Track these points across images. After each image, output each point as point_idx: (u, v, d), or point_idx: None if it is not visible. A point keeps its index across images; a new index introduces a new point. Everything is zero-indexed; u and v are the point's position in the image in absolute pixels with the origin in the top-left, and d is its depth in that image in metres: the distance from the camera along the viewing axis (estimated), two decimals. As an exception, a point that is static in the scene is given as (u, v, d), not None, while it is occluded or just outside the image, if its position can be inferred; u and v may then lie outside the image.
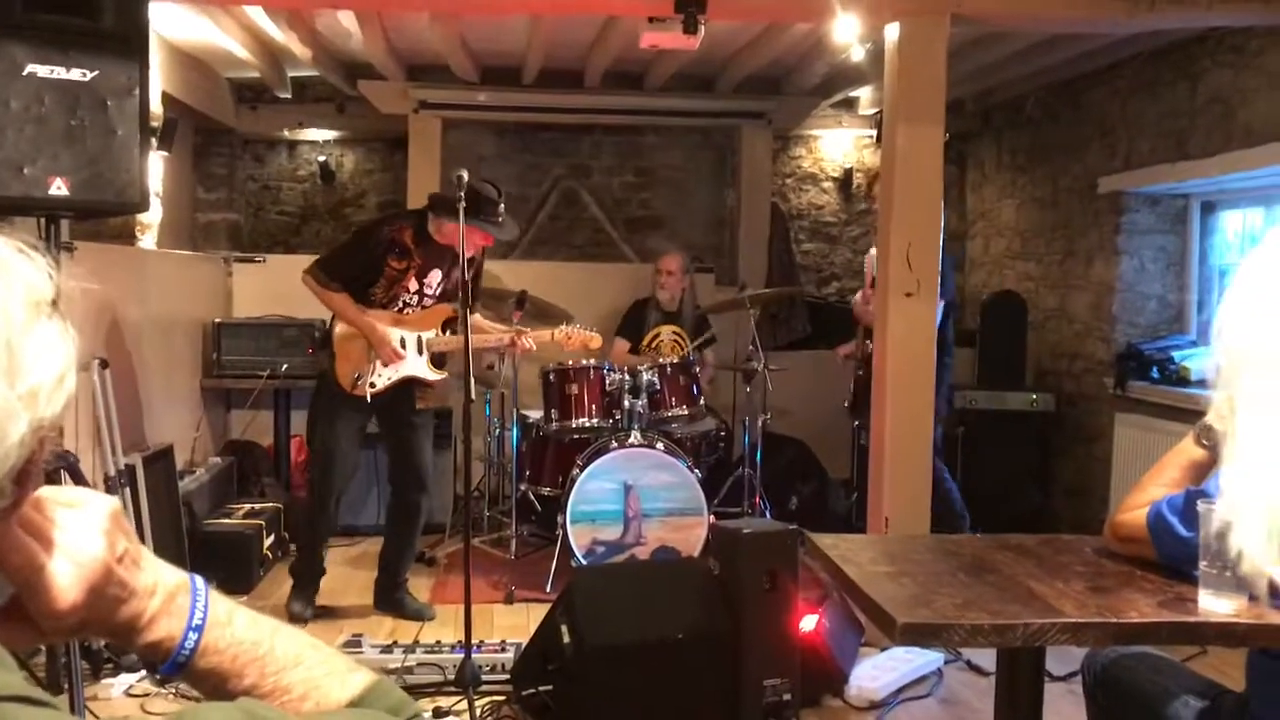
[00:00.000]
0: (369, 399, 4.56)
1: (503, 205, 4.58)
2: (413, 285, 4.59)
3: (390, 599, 4.78)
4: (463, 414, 3.73)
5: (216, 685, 0.96)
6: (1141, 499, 2.12)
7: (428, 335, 4.66)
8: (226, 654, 0.96)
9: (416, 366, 4.65)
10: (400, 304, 4.61)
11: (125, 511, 0.95)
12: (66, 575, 0.88)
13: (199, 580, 0.98)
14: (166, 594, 0.95)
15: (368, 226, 4.84)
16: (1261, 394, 1.82)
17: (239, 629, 0.97)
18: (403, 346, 4.59)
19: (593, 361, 5.34)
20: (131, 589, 0.93)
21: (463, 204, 3.89)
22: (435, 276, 4.63)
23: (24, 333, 0.84)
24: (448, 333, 4.72)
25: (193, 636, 0.94)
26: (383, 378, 4.58)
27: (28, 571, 0.87)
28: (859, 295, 5.26)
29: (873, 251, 5.12)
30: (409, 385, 4.69)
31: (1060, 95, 6.61)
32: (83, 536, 0.90)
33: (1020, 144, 7.22)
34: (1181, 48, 5.39)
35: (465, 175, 3.90)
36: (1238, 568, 1.81)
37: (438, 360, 4.72)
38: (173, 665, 0.94)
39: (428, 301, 4.66)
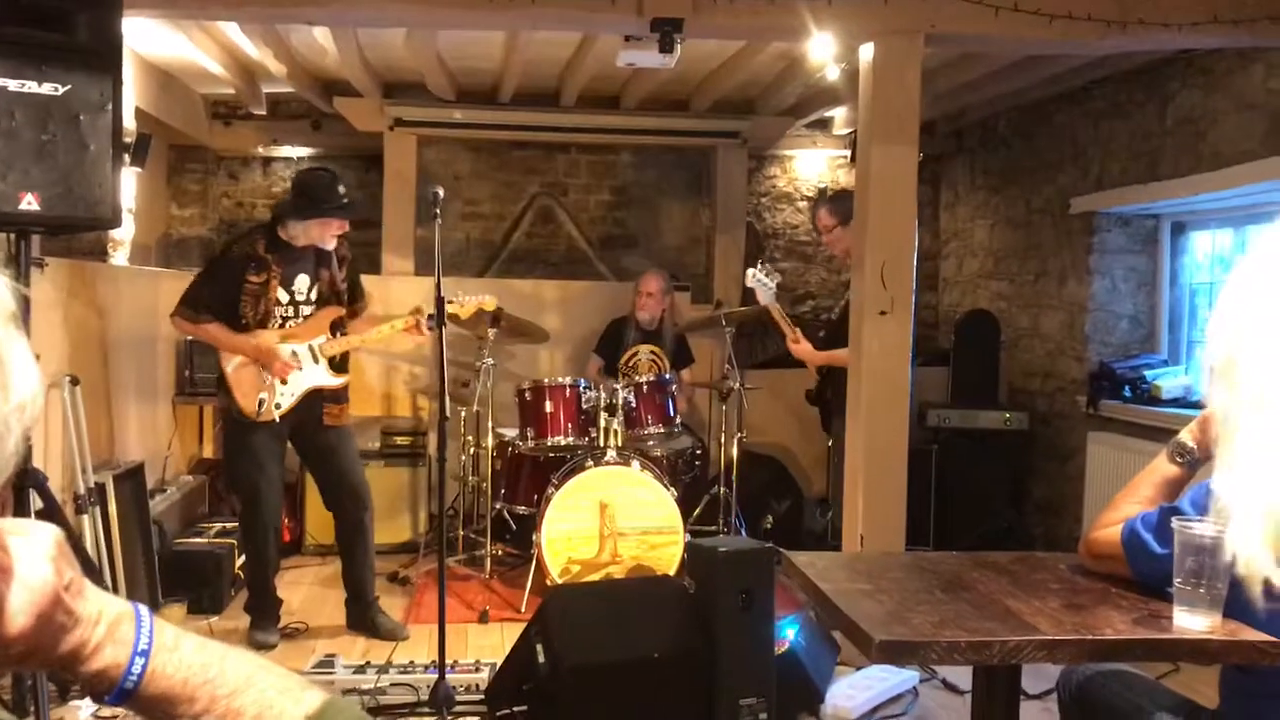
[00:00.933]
0: (278, 420, 4.47)
1: (341, 186, 4.49)
2: (282, 296, 4.48)
3: (363, 620, 4.73)
4: (438, 432, 3.71)
5: (167, 712, 0.94)
6: (1115, 516, 2.13)
7: (319, 341, 4.56)
8: (175, 679, 0.94)
9: (316, 376, 4.55)
10: (279, 318, 4.49)
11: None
12: (15, 601, 0.86)
13: (142, 608, 0.96)
14: (110, 622, 0.93)
15: (220, 250, 4.75)
16: (1261, 394, 1.81)
17: (187, 653, 0.96)
18: (295, 359, 4.49)
19: (568, 380, 5.34)
20: (77, 617, 0.91)
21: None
22: (303, 282, 4.53)
23: (7, 346, 0.84)
24: (338, 334, 4.63)
25: (139, 662, 0.93)
26: (286, 396, 4.49)
27: None
28: (787, 339, 5.20)
29: (751, 272, 5.07)
30: (315, 404, 4.58)
31: (1032, 116, 6.67)
32: (33, 563, 0.88)
33: (993, 165, 7.27)
34: (1152, 69, 5.46)
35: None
36: (1231, 571, 1.80)
37: (337, 365, 4.63)
38: (120, 693, 0.93)
39: (306, 310, 4.55)
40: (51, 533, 0.91)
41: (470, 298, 4.92)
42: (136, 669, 0.92)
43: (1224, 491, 1.84)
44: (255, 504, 4.55)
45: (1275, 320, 1.83)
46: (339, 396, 4.67)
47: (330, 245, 4.54)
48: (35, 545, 0.89)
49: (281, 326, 4.51)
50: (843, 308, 5.06)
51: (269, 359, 4.43)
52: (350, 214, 4.57)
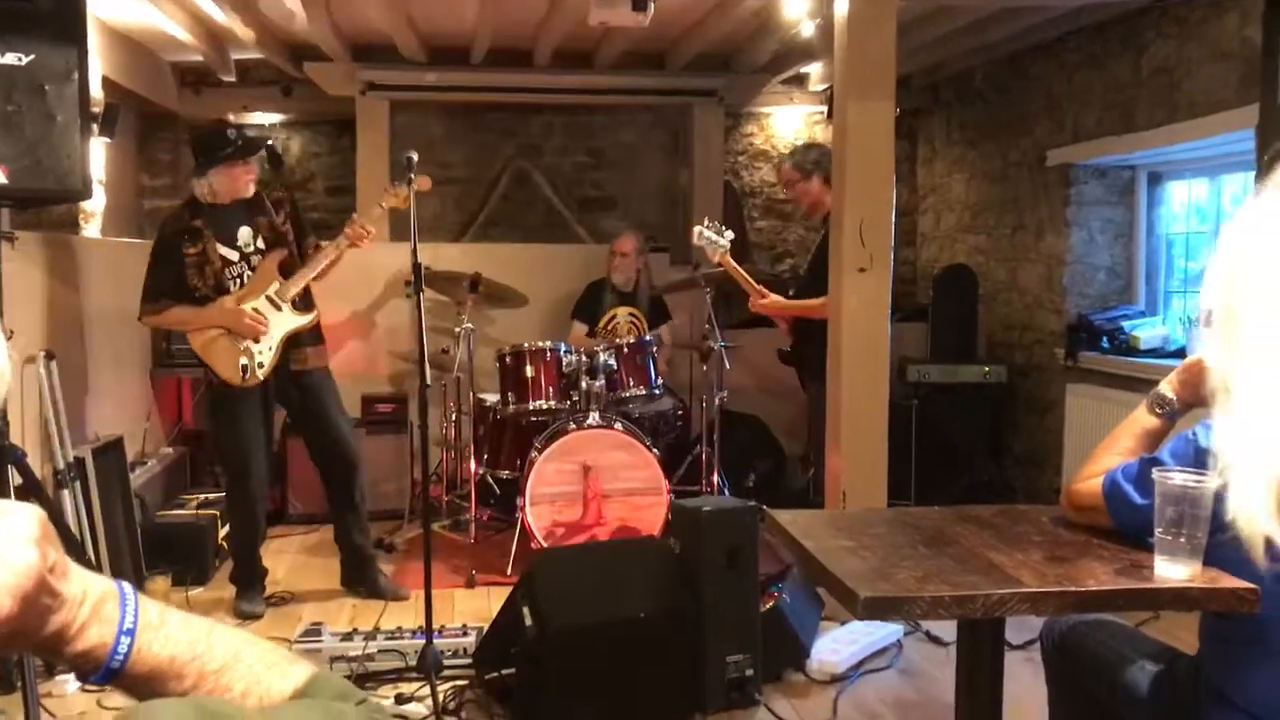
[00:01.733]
0: (263, 379, 4.46)
1: (230, 131, 4.50)
2: (229, 254, 4.45)
3: (363, 579, 4.77)
4: (419, 398, 3.70)
5: (155, 690, 0.94)
6: (1096, 468, 2.14)
7: (273, 288, 4.52)
8: (162, 656, 0.94)
9: (285, 321, 4.52)
10: (232, 278, 4.47)
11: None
12: (0, 584, 0.85)
13: (126, 586, 0.96)
14: (95, 602, 0.93)
15: (156, 237, 4.65)
16: (1264, 344, 1.77)
17: (173, 630, 0.95)
18: (259, 315, 4.46)
19: (549, 344, 5.32)
20: (61, 599, 0.90)
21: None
22: (246, 234, 4.50)
23: None
24: (290, 276, 4.57)
25: (125, 641, 0.92)
26: (265, 353, 4.47)
27: None
28: (750, 296, 5.12)
29: (697, 230, 4.95)
30: (291, 351, 4.55)
31: (1007, 70, 6.65)
32: (14, 546, 0.87)
33: (969, 119, 7.26)
34: (1126, 20, 5.44)
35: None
36: (1233, 528, 1.78)
37: (301, 305, 4.58)
38: (106, 672, 0.92)
39: (255, 260, 4.52)
40: (34, 514, 0.90)
41: (400, 186, 4.54)
42: (122, 648, 0.92)
43: (1224, 447, 1.81)
44: (243, 474, 4.55)
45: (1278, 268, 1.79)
46: (315, 336, 4.65)
47: (249, 193, 4.49)
48: (17, 527, 0.88)
49: (241, 285, 4.48)
50: (810, 260, 5.01)
51: (236, 321, 4.41)
52: (246, 154, 4.49)
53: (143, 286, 4.49)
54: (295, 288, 4.55)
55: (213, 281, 4.43)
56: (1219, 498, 1.82)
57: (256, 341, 4.46)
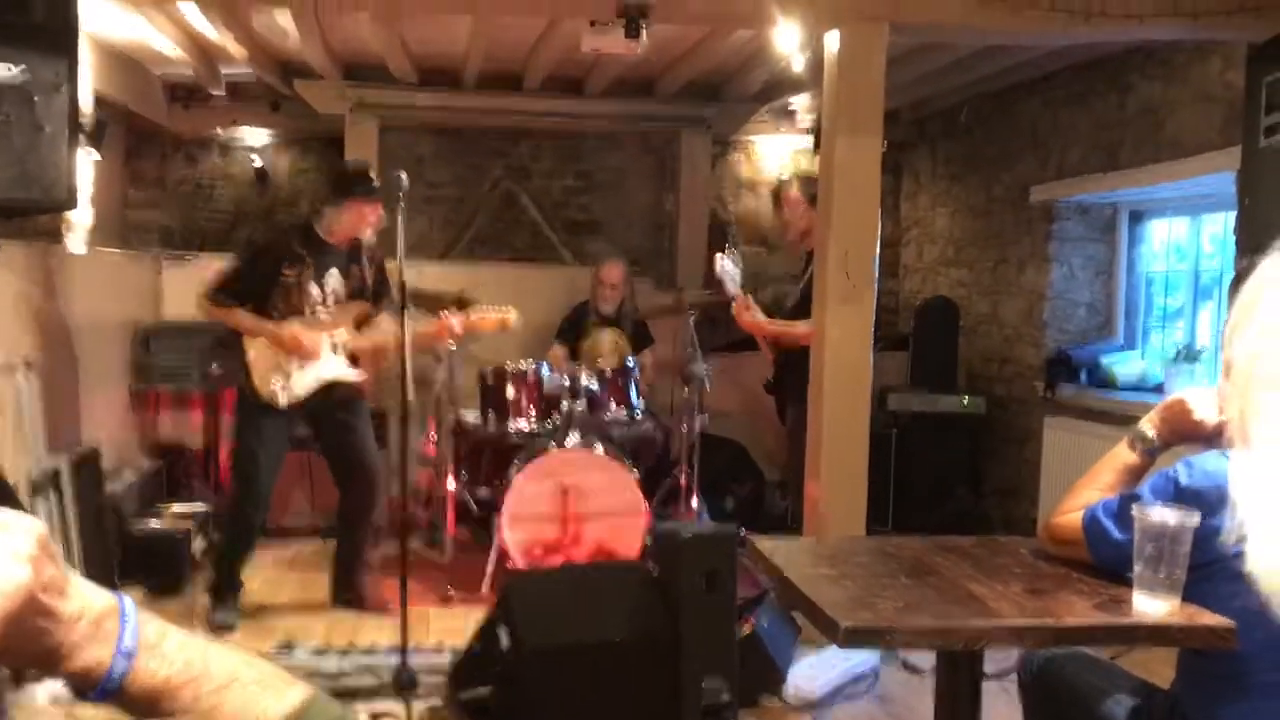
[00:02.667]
0: (285, 405, 4.52)
1: (373, 173, 4.61)
2: (313, 290, 4.56)
3: (350, 594, 4.79)
4: (401, 416, 3.70)
5: (150, 709, 0.93)
6: (1076, 503, 2.16)
7: (341, 335, 4.62)
8: (159, 676, 0.92)
9: (334, 368, 4.61)
10: (308, 310, 4.57)
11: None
12: None
13: (128, 602, 0.94)
14: (93, 619, 0.91)
15: (256, 242, 4.83)
16: None
17: (170, 650, 0.94)
18: (315, 346, 4.54)
19: (531, 364, 5.32)
20: (57, 617, 0.88)
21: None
22: (334, 277, 4.61)
23: None
24: (361, 330, 4.70)
25: (122, 662, 0.91)
26: (301, 384, 4.55)
27: None
28: (735, 305, 5.12)
29: (720, 258, 5.01)
30: (335, 387, 4.64)
31: (993, 105, 6.72)
32: (4, 563, 0.85)
33: (954, 153, 7.33)
34: (1112, 60, 5.51)
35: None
36: (1254, 585, 1.78)
37: (355, 358, 4.69)
38: (102, 692, 0.91)
39: (333, 304, 4.63)
40: (33, 529, 0.88)
41: (494, 311, 4.90)
42: (120, 669, 0.91)
43: (1243, 498, 1.82)
44: (248, 482, 4.58)
45: None
46: (357, 389, 4.76)
47: (367, 235, 4.61)
48: (11, 543, 0.86)
49: (311, 316, 4.57)
50: (801, 291, 5.02)
51: (293, 344, 4.48)
52: (380, 196, 4.57)
53: (224, 277, 4.55)
54: (358, 344, 4.68)
55: (293, 309, 4.53)
56: (1199, 534, 1.84)
57: (302, 369, 4.52)
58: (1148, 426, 2.16)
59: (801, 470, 4.78)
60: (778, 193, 5.22)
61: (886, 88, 4.43)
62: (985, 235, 6.83)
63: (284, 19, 5.43)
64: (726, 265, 4.93)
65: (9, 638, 0.85)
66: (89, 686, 0.91)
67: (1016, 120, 6.46)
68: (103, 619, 0.92)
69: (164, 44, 5.73)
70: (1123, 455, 2.18)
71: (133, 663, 0.91)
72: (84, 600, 0.91)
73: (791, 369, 4.95)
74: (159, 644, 0.94)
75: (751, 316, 4.99)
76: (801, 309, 4.90)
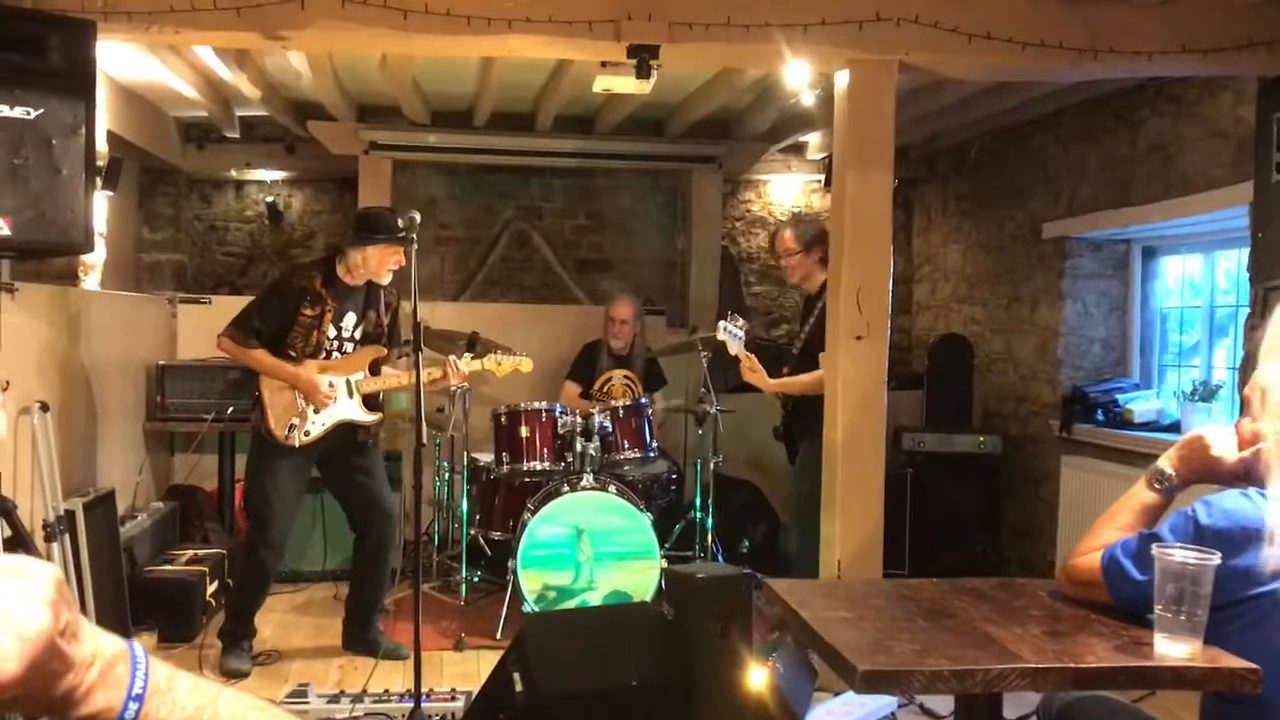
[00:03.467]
0: (299, 446, 4.53)
1: (400, 220, 4.56)
2: (330, 331, 4.59)
3: (363, 640, 4.76)
4: (414, 458, 3.69)
5: None
6: (1094, 543, 2.13)
7: (356, 377, 4.65)
8: None
9: (348, 410, 4.63)
10: (324, 352, 4.60)
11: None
12: (6, 649, 0.83)
13: (138, 647, 0.94)
14: (104, 664, 0.91)
15: (277, 280, 4.89)
16: None
17: (180, 695, 0.94)
18: (332, 389, 4.58)
19: (544, 404, 5.32)
20: (71, 662, 0.88)
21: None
22: (350, 320, 4.65)
23: None
24: (377, 373, 4.74)
25: (133, 707, 0.90)
26: (316, 425, 4.56)
27: None
28: (740, 366, 5.05)
29: (721, 325, 5.01)
30: (349, 430, 4.65)
31: (1004, 142, 6.73)
32: (25, 607, 0.85)
33: (965, 190, 7.33)
34: (1122, 96, 5.52)
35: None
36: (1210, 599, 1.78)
37: (370, 402, 4.71)
38: None
39: (349, 347, 4.66)
40: (50, 574, 0.88)
41: (508, 358, 4.99)
42: (129, 714, 0.90)
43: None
44: (264, 526, 4.57)
45: None
46: (370, 430, 4.76)
47: (386, 279, 4.64)
48: (31, 587, 0.86)
49: (326, 358, 4.60)
50: (806, 337, 5.00)
51: (309, 389, 4.52)
52: (404, 241, 4.59)
53: (243, 314, 4.60)
54: (375, 387, 4.71)
55: (311, 349, 4.55)
56: (1220, 573, 1.81)
57: (317, 411, 4.55)
58: (1166, 464, 2.14)
59: (806, 510, 4.75)
60: (773, 239, 5.23)
61: (895, 125, 4.44)
62: (998, 272, 6.81)
63: (298, 61, 5.48)
64: (730, 329, 4.93)
65: (27, 683, 0.85)
66: None
67: (1028, 157, 6.47)
68: (113, 664, 0.91)
69: (179, 85, 5.78)
70: (1141, 494, 2.16)
71: (143, 708, 0.91)
72: (95, 645, 0.91)
73: (800, 416, 4.94)
74: (169, 689, 0.93)
75: (757, 377, 4.98)
76: (806, 355, 4.88)
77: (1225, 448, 2.06)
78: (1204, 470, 2.10)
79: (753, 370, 4.96)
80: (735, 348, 4.96)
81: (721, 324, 4.99)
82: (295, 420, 4.52)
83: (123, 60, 5.39)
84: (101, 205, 5.54)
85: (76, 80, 3.41)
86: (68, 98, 3.37)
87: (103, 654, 0.91)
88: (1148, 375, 5.94)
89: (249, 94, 6.01)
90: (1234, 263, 5.35)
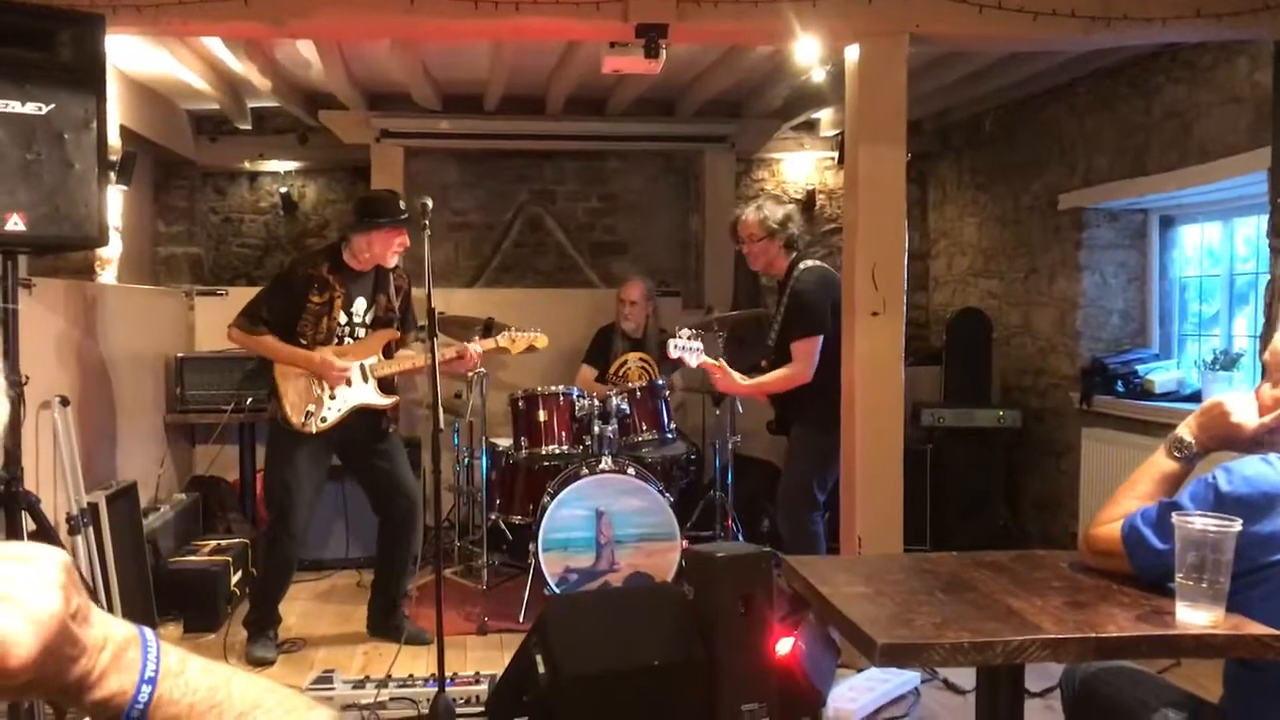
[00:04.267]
0: (316, 433, 4.53)
1: (402, 202, 4.62)
2: (341, 317, 4.59)
3: (388, 624, 4.78)
4: (432, 443, 3.70)
5: None
6: (1115, 512, 2.12)
7: (370, 361, 4.65)
8: (182, 704, 0.92)
9: (364, 394, 4.63)
10: (336, 338, 4.60)
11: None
12: (20, 633, 0.83)
13: (148, 632, 0.94)
14: (116, 648, 0.91)
15: (285, 269, 4.90)
16: None
17: (193, 677, 0.94)
18: (346, 370, 4.57)
19: (562, 388, 5.32)
20: (83, 645, 0.88)
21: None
22: (361, 305, 4.64)
23: None
24: (391, 357, 4.73)
25: (145, 690, 0.91)
26: (332, 411, 4.56)
27: None
28: (710, 376, 4.94)
29: (671, 344, 4.81)
30: (367, 416, 4.65)
31: (1018, 113, 6.68)
32: (37, 592, 0.85)
33: (980, 163, 7.28)
34: (1136, 64, 5.47)
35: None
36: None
37: (385, 386, 4.71)
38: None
39: (360, 332, 4.65)
40: (58, 558, 0.89)
41: (522, 334, 4.97)
42: (143, 697, 0.91)
43: None
44: (285, 516, 4.59)
45: None
46: (387, 415, 4.75)
47: (392, 263, 4.63)
48: (41, 572, 0.87)
49: (339, 343, 4.60)
50: (778, 332, 4.90)
51: (324, 368, 4.51)
52: (408, 223, 4.60)
53: (251, 304, 4.61)
54: (390, 370, 4.69)
55: (321, 336, 4.55)
56: (1242, 540, 1.80)
57: (333, 397, 4.55)
58: (1186, 432, 2.12)
59: (797, 491, 4.73)
60: (734, 225, 4.97)
61: (908, 99, 4.42)
62: (1015, 245, 6.77)
63: (308, 50, 5.48)
64: (681, 344, 4.77)
65: (41, 667, 0.85)
66: (111, 716, 0.91)
67: (1042, 128, 6.42)
68: (124, 648, 0.92)
69: (189, 77, 5.79)
70: (1161, 463, 2.15)
71: (155, 690, 0.91)
72: (106, 629, 0.91)
73: (789, 403, 4.88)
74: (181, 671, 0.94)
75: (728, 382, 4.86)
76: (781, 346, 4.81)
77: (1245, 414, 2.05)
78: (1224, 437, 2.09)
79: (724, 377, 4.84)
80: (694, 360, 4.82)
81: (672, 342, 4.82)
82: (311, 407, 4.53)
83: (133, 54, 5.40)
84: (116, 200, 5.56)
85: (87, 74, 3.40)
86: (78, 92, 3.37)
87: (113, 638, 0.91)
88: (1167, 345, 5.90)
89: (259, 85, 6.02)
90: (1253, 230, 5.30)
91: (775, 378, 4.78)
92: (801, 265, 4.81)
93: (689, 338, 4.83)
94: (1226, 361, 5.14)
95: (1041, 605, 1.97)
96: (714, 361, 4.86)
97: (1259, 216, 5.01)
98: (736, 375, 4.84)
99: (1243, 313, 5.42)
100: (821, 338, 4.65)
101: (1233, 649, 1.86)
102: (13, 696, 0.90)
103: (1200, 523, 1.84)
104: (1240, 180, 4.83)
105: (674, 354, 4.83)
